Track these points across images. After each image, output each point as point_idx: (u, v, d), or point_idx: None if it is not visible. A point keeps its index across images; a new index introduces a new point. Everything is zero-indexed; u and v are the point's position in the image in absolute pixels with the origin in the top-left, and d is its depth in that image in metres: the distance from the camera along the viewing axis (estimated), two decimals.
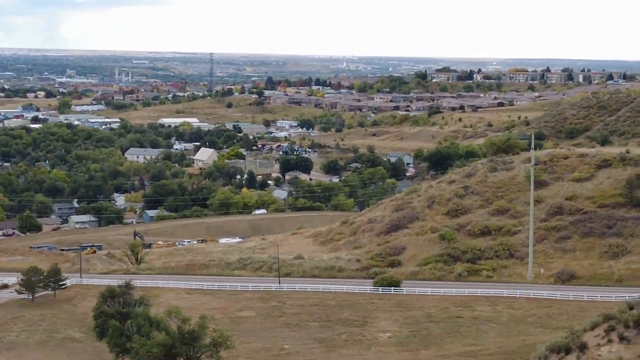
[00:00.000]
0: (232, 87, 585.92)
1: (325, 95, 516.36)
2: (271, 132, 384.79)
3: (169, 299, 79.55)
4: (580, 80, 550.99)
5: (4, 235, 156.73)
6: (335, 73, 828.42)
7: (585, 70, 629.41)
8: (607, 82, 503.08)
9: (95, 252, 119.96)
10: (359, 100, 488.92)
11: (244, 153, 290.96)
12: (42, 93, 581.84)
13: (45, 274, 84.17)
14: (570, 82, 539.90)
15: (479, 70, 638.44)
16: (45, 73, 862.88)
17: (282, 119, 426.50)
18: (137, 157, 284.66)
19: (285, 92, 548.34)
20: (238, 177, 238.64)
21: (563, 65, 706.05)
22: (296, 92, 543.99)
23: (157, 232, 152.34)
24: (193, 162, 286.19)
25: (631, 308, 40.56)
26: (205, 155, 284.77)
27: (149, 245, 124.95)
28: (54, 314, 79.69)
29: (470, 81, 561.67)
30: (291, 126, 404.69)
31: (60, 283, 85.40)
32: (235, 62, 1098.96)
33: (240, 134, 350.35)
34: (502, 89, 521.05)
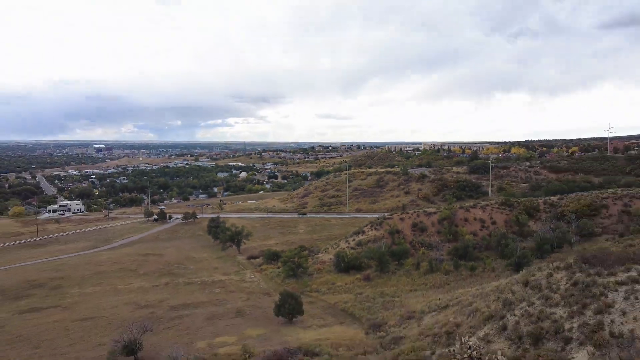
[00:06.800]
0: None
1: None
2: None
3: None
4: None
5: None
6: None
7: None
8: None
9: None
10: None
11: None
12: None
13: (191, 213, 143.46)
14: None
15: None
16: None
17: None
18: None
19: None
20: None
21: None
22: None
23: None
24: None
25: (380, 219, 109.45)
26: None
27: None
28: (192, 226, 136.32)
29: None
30: None
31: (195, 217, 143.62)
32: None
33: None
34: None
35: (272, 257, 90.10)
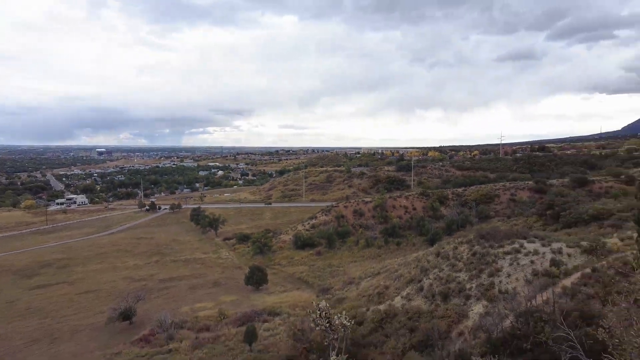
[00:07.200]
0: None
1: None
2: None
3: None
4: None
5: None
6: None
7: None
8: None
9: None
10: None
11: None
12: None
13: (177, 204, 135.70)
14: None
15: None
16: None
17: None
18: None
19: None
20: None
21: None
22: None
23: None
24: None
25: (329, 207, 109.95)
26: None
27: None
28: (178, 215, 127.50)
29: None
30: None
31: (180, 207, 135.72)
32: None
33: None
34: None
35: (243, 238, 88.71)
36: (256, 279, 54.22)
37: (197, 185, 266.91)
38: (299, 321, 32.00)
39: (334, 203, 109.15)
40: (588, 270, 25.30)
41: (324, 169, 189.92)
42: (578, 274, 25.62)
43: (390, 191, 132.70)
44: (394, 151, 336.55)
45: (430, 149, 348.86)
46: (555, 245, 32.94)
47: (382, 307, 32.83)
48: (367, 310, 33.32)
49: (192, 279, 61.51)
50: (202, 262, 73.77)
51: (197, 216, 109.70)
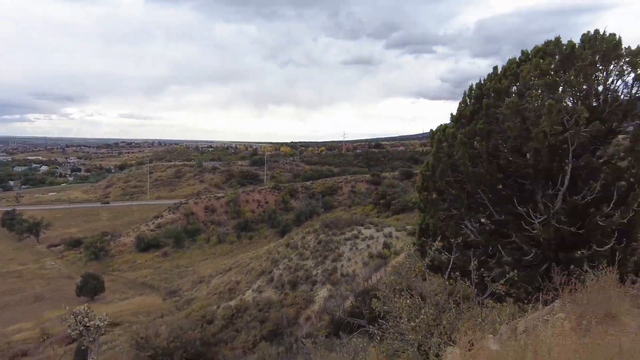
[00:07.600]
0: None
1: None
2: None
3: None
4: None
5: None
6: None
7: None
8: None
9: None
10: None
11: None
12: None
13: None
14: None
15: None
16: None
17: None
18: None
19: None
20: None
21: None
22: None
23: None
24: None
25: (177, 204, 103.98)
26: None
27: None
28: None
29: None
30: None
31: None
32: None
33: None
34: None
35: (74, 243, 77.51)
36: (90, 288, 47.97)
37: (12, 183, 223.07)
38: (143, 328, 29.42)
39: (183, 200, 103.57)
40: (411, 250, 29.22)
41: (172, 163, 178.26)
42: (404, 254, 29.38)
43: (244, 186, 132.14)
44: (248, 146, 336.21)
45: (282, 144, 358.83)
46: (387, 230, 37.16)
47: (232, 302, 32.42)
48: (218, 307, 32.50)
49: (5, 297, 51.22)
50: (19, 275, 62.03)
51: (11, 221, 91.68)
